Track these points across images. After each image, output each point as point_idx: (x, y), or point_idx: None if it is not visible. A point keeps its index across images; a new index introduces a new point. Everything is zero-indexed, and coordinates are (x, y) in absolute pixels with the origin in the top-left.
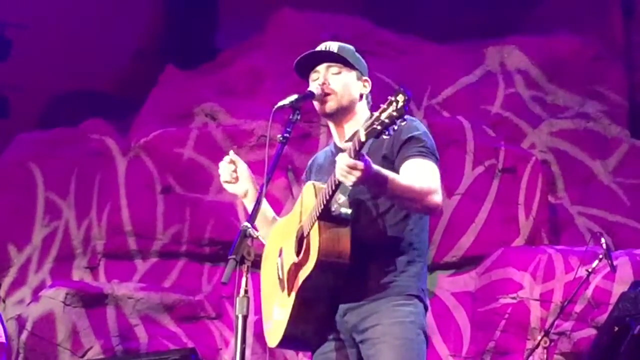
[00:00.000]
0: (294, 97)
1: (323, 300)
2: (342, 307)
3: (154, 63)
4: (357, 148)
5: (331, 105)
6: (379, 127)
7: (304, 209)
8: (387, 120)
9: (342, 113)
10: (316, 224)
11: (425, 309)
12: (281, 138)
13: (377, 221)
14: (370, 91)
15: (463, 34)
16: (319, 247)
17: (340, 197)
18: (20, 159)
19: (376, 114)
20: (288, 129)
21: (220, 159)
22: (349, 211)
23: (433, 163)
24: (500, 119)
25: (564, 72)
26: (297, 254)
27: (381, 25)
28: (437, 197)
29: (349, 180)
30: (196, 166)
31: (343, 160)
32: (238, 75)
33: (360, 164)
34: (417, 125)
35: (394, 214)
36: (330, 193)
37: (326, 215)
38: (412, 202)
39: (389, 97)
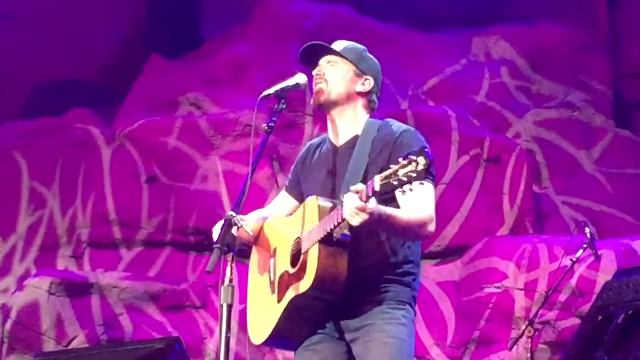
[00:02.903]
0: (279, 86)
1: (314, 312)
2: (334, 310)
3: (138, 52)
4: (370, 194)
5: (320, 98)
6: (395, 183)
7: (306, 221)
8: (404, 179)
9: (332, 106)
10: (316, 245)
11: (414, 314)
12: (266, 127)
13: (371, 236)
14: (377, 94)
15: (448, 24)
16: (317, 271)
17: None
18: (4, 148)
19: (395, 167)
20: (273, 118)
21: (205, 148)
22: (348, 233)
23: (429, 183)
24: (485, 108)
25: (549, 62)
26: (293, 265)
27: (366, 14)
28: (431, 226)
29: (355, 221)
30: (181, 155)
31: (353, 202)
32: (223, 64)
33: (370, 208)
34: (418, 138)
35: None
36: (336, 224)
37: (327, 241)
38: (407, 236)
39: (410, 156)
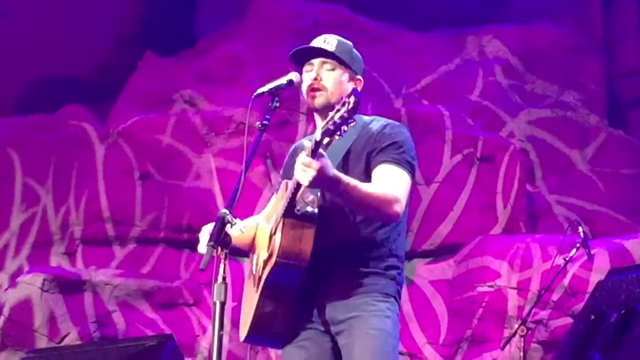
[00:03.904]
0: (273, 84)
1: (287, 298)
2: (319, 304)
3: (133, 49)
4: (313, 147)
5: (319, 101)
6: (331, 127)
7: (280, 207)
8: (338, 121)
9: (329, 109)
10: (281, 221)
11: (399, 308)
12: (260, 125)
13: (355, 228)
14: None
15: (442, 23)
16: (280, 246)
17: (309, 196)
18: None
19: (332, 114)
20: (267, 116)
21: (199, 146)
22: (316, 210)
23: (405, 173)
24: (479, 107)
25: (542, 62)
26: (268, 250)
27: (361, 13)
28: (397, 207)
29: (304, 178)
30: (175, 153)
31: (300, 158)
32: (217, 62)
33: (316, 164)
34: (402, 131)
35: (370, 222)
36: (293, 191)
37: (290, 214)
38: (369, 210)
39: (344, 98)
